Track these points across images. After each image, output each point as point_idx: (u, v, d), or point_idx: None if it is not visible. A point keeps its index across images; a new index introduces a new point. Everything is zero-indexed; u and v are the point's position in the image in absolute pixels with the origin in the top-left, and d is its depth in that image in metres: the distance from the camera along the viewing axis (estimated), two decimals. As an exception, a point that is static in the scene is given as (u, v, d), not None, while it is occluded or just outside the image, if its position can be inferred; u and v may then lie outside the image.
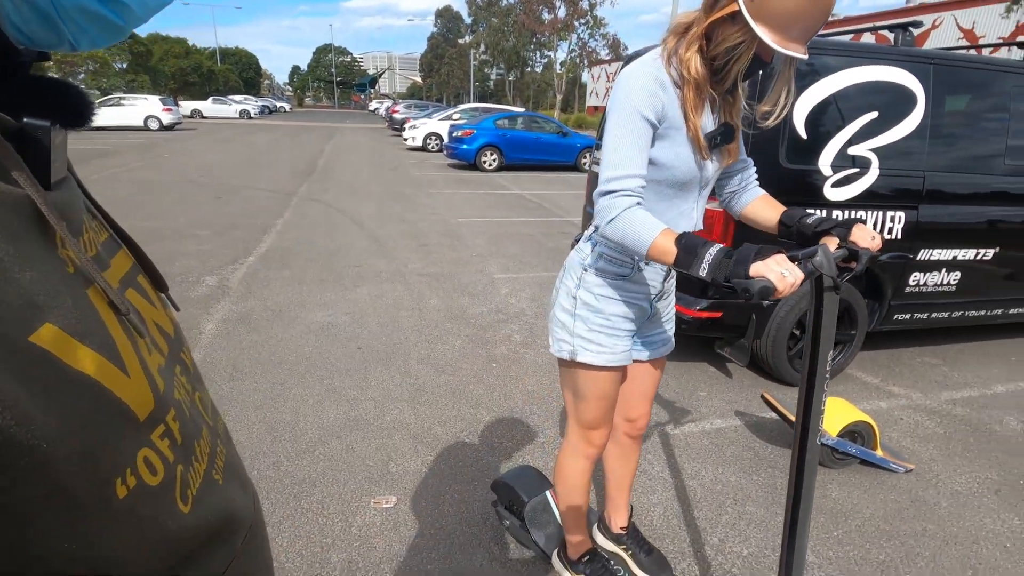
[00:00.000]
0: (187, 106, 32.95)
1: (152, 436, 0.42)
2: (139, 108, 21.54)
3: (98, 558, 0.36)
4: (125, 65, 40.28)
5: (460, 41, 57.30)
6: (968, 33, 21.40)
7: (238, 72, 61.41)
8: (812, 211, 1.28)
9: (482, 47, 44.66)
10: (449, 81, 58.75)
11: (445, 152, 13.92)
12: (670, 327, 1.51)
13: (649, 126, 1.14)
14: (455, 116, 16.56)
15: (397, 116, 23.97)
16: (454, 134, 13.21)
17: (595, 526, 1.84)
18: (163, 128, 21.60)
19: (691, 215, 1.28)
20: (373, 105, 54.98)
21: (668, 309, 1.48)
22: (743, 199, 1.40)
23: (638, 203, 1.12)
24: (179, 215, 6.74)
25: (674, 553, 1.90)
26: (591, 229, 1.34)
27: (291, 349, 3.29)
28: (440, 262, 5.26)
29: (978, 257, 3.18)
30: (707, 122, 1.20)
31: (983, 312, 3.41)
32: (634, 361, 1.46)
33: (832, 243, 1.15)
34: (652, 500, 2.16)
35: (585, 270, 1.33)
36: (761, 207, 1.36)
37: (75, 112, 0.43)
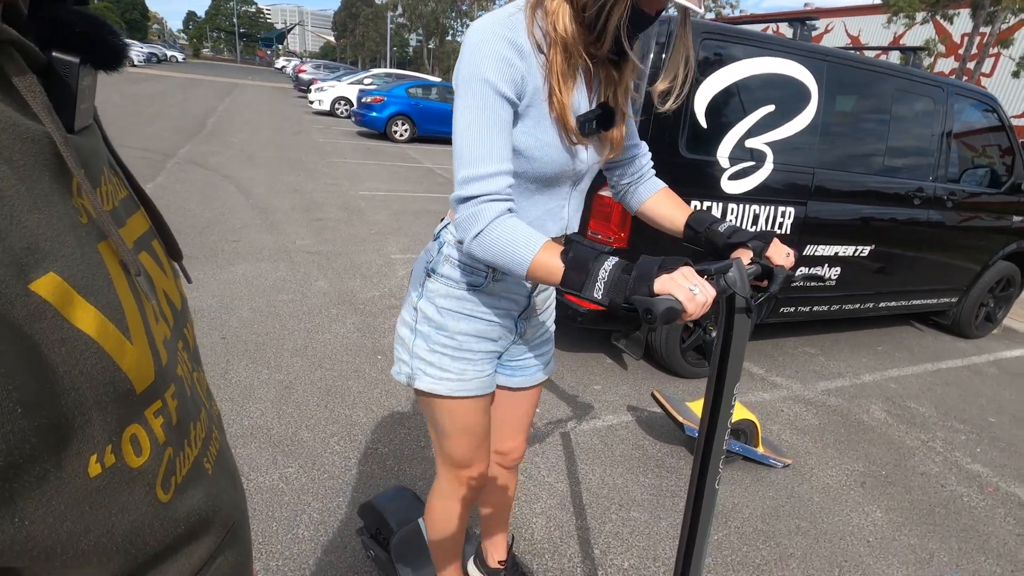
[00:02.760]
0: (53, 46, 28.66)
1: (146, 412, 0.38)
2: (-13, 43, 18.39)
3: (51, 544, 0.31)
4: (-28, -9, 34.31)
5: (377, 1, 54.24)
6: (855, 40, 23.28)
7: (119, 12, 54.37)
8: (720, 216, 1.12)
9: (399, 9, 42.52)
10: (364, 43, 55.63)
11: (354, 119, 13.07)
12: (547, 350, 1.26)
13: (507, 104, 0.89)
14: (366, 81, 15.61)
15: (304, 76, 22.30)
16: (363, 100, 12.41)
17: (471, 559, 1.64)
18: (19, 69, 18.62)
19: (560, 215, 1.06)
20: (280, 62, 50.86)
21: (544, 328, 1.24)
22: (640, 193, 1.19)
23: (509, 209, 0.89)
24: (20, 173, 5.72)
25: (554, 571, 1.77)
26: (442, 224, 1.11)
27: (137, 339, 2.82)
28: (333, 239, 4.83)
29: (856, 253, 3.32)
30: (580, 100, 0.97)
31: (857, 305, 3.59)
32: (500, 388, 1.23)
33: (745, 256, 0.99)
34: (536, 510, 2.02)
35: (428, 275, 1.07)
36: (662, 204, 1.17)
37: (109, 52, 0.40)
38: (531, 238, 0.86)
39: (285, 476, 2.02)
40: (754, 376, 3.26)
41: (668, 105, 0.96)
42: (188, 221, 4.81)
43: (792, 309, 3.33)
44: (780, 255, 1.01)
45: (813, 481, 2.37)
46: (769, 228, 2.93)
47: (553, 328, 1.28)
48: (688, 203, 1.18)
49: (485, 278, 1.05)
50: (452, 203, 0.91)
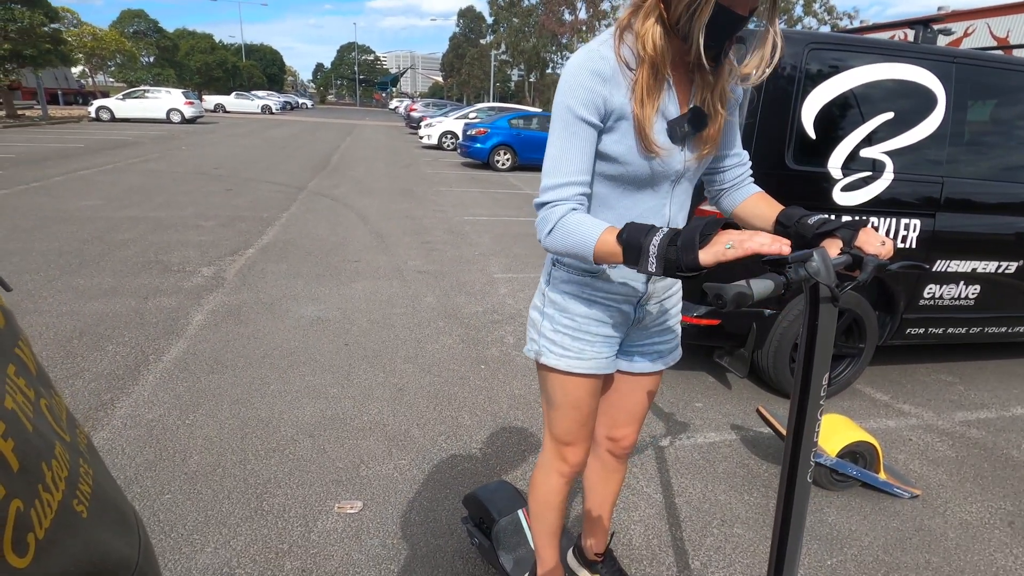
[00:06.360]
0: (210, 100, 33.39)
1: None
2: (162, 101, 21.88)
3: None
4: (152, 59, 41.08)
5: (481, 41, 57.34)
6: (1002, 41, 20.77)
7: (262, 68, 62.23)
8: (812, 211, 1.13)
9: (502, 47, 44.60)
10: (470, 81, 58.77)
11: (459, 151, 13.86)
12: (669, 338, 1.31)
13: (588, 127, 1.00)
14: (471, 115, 16.51)
15: (415, 114, 24.00)
16: (468, 132, 13.15)
17: (570, 550, 1.70)
18: (184, 121, 21.89)
19: (661, 212, 1.12)
20: (393, 103, 55.24)
21: (665, 316, 1.28)
22: (735, 197, 1.24)
23: (574, 210, 1.00)
24: (187, 206, 6.75)
25: (651, 576, 1.77)
26: None
27: (277, 343, 3.22)
28: (440, 260, 5.17)
29: (1000, 270, 2.98)
30: (671, 108, 1.04)
31: (1004, 329, 3.20)
32: (620, 372, 1.32)
33: (834, 246, 1.00)
34: (634, 517, 2.03)
35: (554, 265, 1.21)
36: (755, 205, 1.19)
37: None
38: (594, 225, 0.95)
39: (399, 467, 2.21)
40: (876, 402, 3.01)
41: (750, 83, 1.05)
42: (317, 245, 5.39)
43: (922, 331, 3.05)
44: (873, 243, 0.99)
45: (947, 515, 2.15)
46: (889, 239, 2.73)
47: (678, 318, 1.32)
48: None
49: (599, 265, 1.14)
50: (535, 208, 1.05)
